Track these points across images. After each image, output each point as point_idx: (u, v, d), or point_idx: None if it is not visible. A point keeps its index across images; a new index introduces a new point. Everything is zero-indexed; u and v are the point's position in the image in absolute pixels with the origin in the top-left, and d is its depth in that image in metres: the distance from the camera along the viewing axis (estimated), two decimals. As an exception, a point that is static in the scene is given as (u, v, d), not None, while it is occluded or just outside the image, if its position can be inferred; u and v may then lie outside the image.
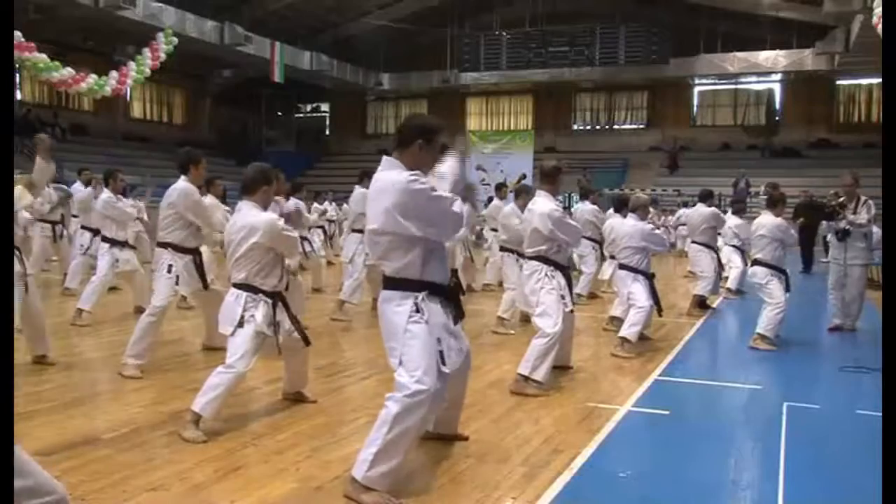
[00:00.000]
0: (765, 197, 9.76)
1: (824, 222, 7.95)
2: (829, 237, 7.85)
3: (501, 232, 8.08)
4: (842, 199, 7.63)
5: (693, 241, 9.96)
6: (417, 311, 3.25)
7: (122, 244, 7.69)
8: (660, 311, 6.87)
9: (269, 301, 4.22)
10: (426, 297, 3.29)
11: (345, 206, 12.39)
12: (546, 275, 5.25)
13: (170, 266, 5.50)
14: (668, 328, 7.91)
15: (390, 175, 3.27)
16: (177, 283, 5.54)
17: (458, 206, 3.27)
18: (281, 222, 4.28)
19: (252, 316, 4.15)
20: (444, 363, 3.23)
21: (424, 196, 3.20)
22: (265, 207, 4.36)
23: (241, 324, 4.14)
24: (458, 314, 3.53)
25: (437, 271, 3.35)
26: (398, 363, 3.24)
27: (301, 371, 4.71)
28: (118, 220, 7.69)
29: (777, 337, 6.92)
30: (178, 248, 5.53)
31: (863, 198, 7.56)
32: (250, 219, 4.23)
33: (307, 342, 4.48)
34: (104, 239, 7.77)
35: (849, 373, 6.01)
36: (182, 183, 5.52)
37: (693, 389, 5.69)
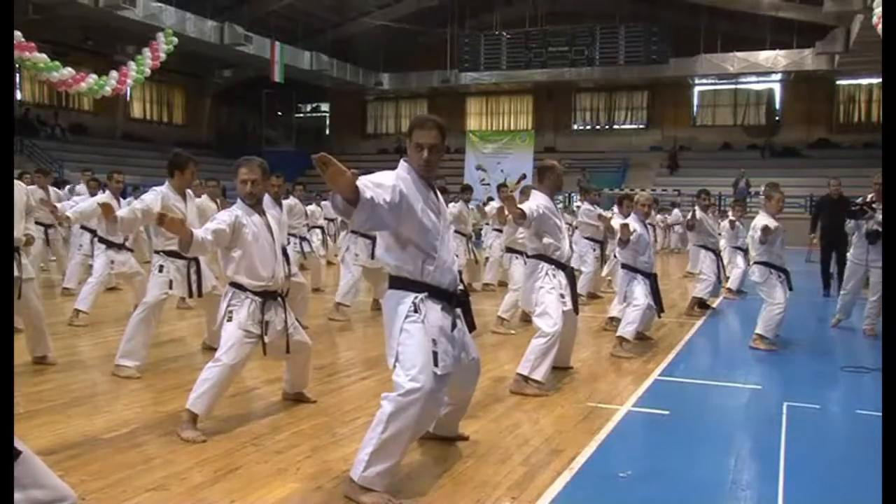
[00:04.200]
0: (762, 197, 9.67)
1: (850, 222, 7.67)
2: (855, 237, 7.63)
3: (506, 233, 8.09)
4: (871, 198, 7.41)
5: (694, 244, 10.05)
6: (416, 311, 3.25)
7: (119, 246, 7.64)
8: (660, 311, 6.86)
9: (258, 300, 4.19)
10: (425, 299, 3.28)
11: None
12: (547, 274, 5.24)
13: (161, 266, 5.51)
14: (668, 328, 7.90)
15: None
16: (170, 287, 5.53)
17: (337, 202, 3.07)
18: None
19: (236, 312, 4.14)
20: (436, 364, 3.21)
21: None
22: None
23: (228, 318, 4.15)
24: (469, 323, 3.52)
25: (440, 275, 3.32)
26: (394, 361, 3.24)
27: (303, 372, 4.70)
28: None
29: (777, 337, 6.91)
30: (168, 253, 5.50)
31: None
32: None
33: (288, 349, 4.38)
34: (100, 240, 7.76)
35: (849, 373, 6.01)
36: (153, 190, 5.46)
37: (693, 389, 5.68)
